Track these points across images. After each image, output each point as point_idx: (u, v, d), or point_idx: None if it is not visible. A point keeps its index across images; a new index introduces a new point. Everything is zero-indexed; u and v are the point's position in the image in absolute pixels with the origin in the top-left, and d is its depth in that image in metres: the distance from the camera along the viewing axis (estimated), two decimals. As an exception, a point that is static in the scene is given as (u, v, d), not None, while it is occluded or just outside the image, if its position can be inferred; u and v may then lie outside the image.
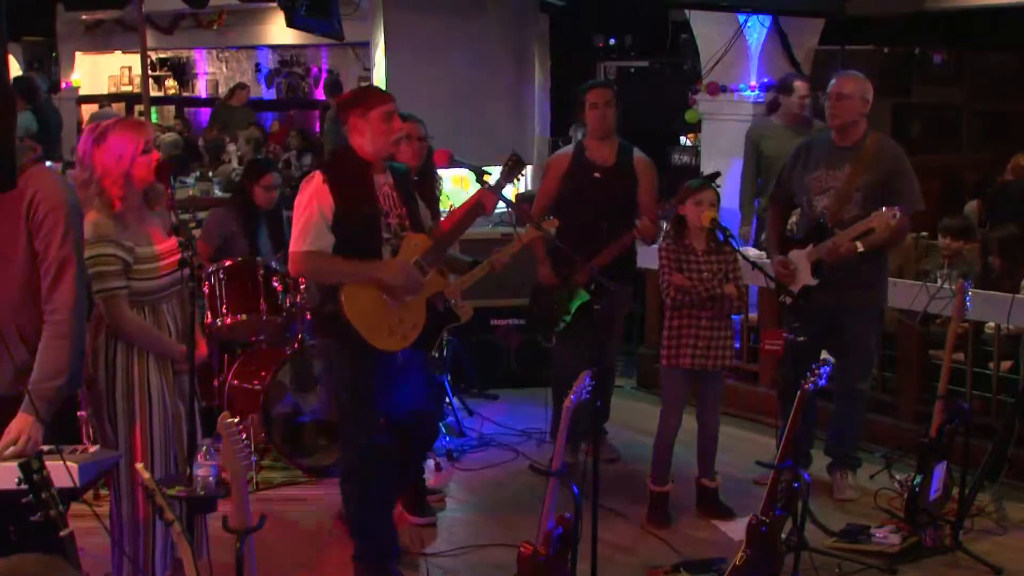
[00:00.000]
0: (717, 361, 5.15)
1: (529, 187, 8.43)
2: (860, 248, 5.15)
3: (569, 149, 6.08)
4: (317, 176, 4.29)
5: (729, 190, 8.01)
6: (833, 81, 5.40)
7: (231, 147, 11.75)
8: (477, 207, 4.47)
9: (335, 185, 4.24)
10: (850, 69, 5.59)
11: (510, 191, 8.48)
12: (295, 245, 4.27)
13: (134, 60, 15.81)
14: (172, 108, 16.92)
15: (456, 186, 8.47)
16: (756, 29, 7.83)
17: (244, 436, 3.13)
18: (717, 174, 5.35)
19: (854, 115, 5.32)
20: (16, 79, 9.87)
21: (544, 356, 6.64)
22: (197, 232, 7.15)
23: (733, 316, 5.30)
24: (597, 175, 5.79)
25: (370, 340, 4.26)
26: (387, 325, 4.31)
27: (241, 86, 14.15)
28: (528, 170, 8.71)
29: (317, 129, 14.74)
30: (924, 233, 6.94)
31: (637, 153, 5.91)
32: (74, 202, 3.48)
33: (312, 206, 4.23)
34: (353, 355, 4.33)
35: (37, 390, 3.31)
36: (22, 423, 3.30)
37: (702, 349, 5.09)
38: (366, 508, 4.50)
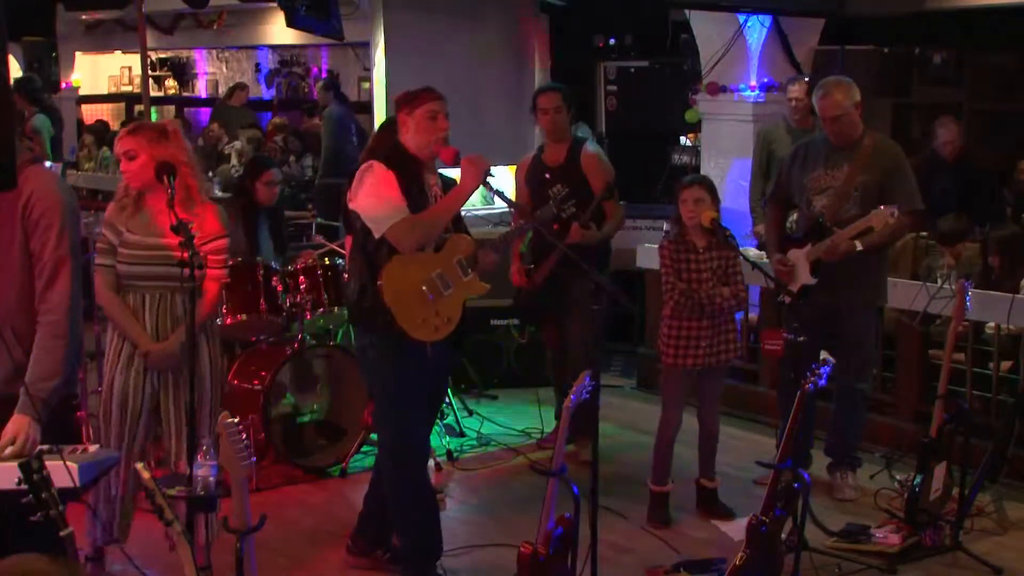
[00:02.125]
0: (722, 356, 5.17)
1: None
2: (859, 247, 5.15)
3: (532, 153, 6.21)
4: (377, 164, 4.30)
5: (729, 191, 8.02)
6: (818, 100, 5.34)
7: (235, 144, 11.73)
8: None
9: (392, 170, 4.29)
10: (845, 73, 5.58)
11: (510, 191, 8.51)
12: (388, 226, 4.22)
13: (134, 60, 15.82)
14: (172, 108, 16.92)
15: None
16: (756, 29, 7.83)
17: (244, 436, 3.14)
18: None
19: (851, 125, 5.32)
20: (17, 80, 9.88)
21: (544, 356, 6.66)
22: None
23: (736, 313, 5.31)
24: (547, 176, 5.85)
25: (403, 325, 4.26)
26: (421, 314, 4.31)
27: (240, 86, 14.13)
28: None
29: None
30: (924, 233, 6.94)
31: (586, 148, 5.97)
32: (71, 202, 3.48)
33: (382, 186, 4.24)
34: (391, 346, 4.33)
35: (33, 390, 3.31)
36: (19, 424, 3.30)
37: (704, 348, 5.11)
38: (407, 504, 4.49)
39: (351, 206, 4.34)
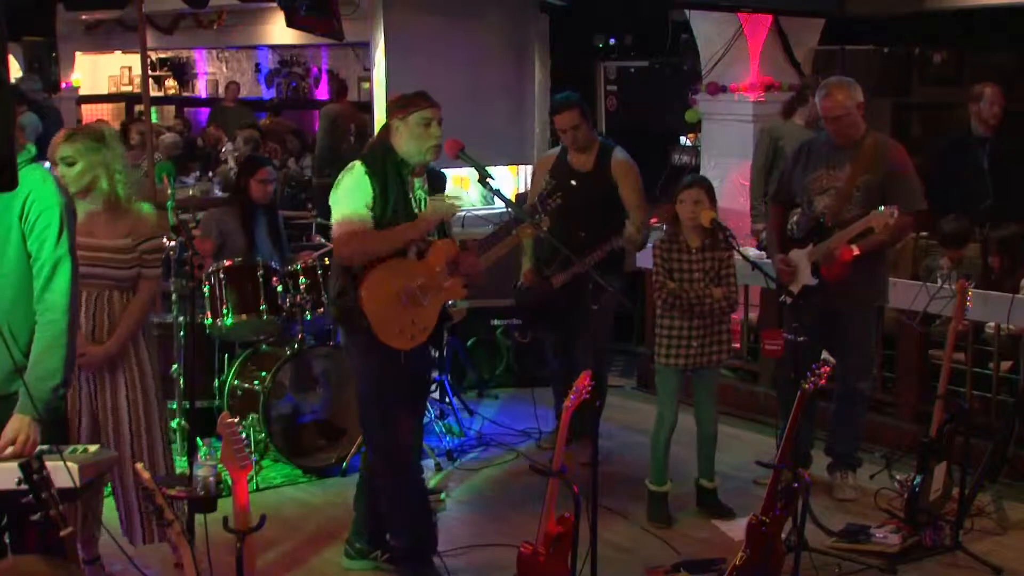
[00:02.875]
0: (712, 357, 5.17)
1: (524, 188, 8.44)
2: (856, 251, 5.15)
3: (556, 150, 6.12)
4: (357, 166, 4.35)
5: (729, 191, 8.02)
6: (820, 99, 5.35)
7: (229, 145, 11.74)
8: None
9: (374, 177, 4.31)
10: (845, 73, 5.57)
11: (510, 191, 8.51)
12: (339, 229, 4.32)
13: (134, 60, 15.81)
14: (172, 108, 16.93)
15: (456, 186, 8.46)
16: (756, 29, 7.83)
17: (244, 436, 3.14)
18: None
19: (856, 126, 5.32)
20: None
21: (543, 356, 6.64)
22: (197, 232, 7.14)
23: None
24: (574, 181, 5.79)
25: (379, 335, 4.30)
26: (399, 324, 4.34)
27: (228, 85, 14.20)
28: (526, 170, 8.72)
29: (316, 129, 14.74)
30: (924, 233, 6.94)
31: (616, 155, 5.91)
32: (68, 202, 3.48)
33: (354, 193, 4.30)
34: (369, 346, 4.34)
35: (33, 391, 3.31)
36: (20, 423, 3.30)
37: (696, 348, 5.12)
38: (401, 504, 4.50)
39: (331, 202, 4.39)
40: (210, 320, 5.75)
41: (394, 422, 4.44)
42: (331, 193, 4.39)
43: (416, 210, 4.41)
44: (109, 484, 4.50)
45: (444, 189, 4.68)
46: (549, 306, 5.94)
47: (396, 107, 4.41)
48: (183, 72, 17.02)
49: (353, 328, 4.39)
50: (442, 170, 4.68)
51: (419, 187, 4.46)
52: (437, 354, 6.30)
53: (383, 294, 4.31)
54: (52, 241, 3.39)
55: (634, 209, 5.82)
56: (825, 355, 4.28)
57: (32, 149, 3.55)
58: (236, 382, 5.91)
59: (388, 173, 4.34)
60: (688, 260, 5.12)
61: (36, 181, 3.40)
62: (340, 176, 4.39)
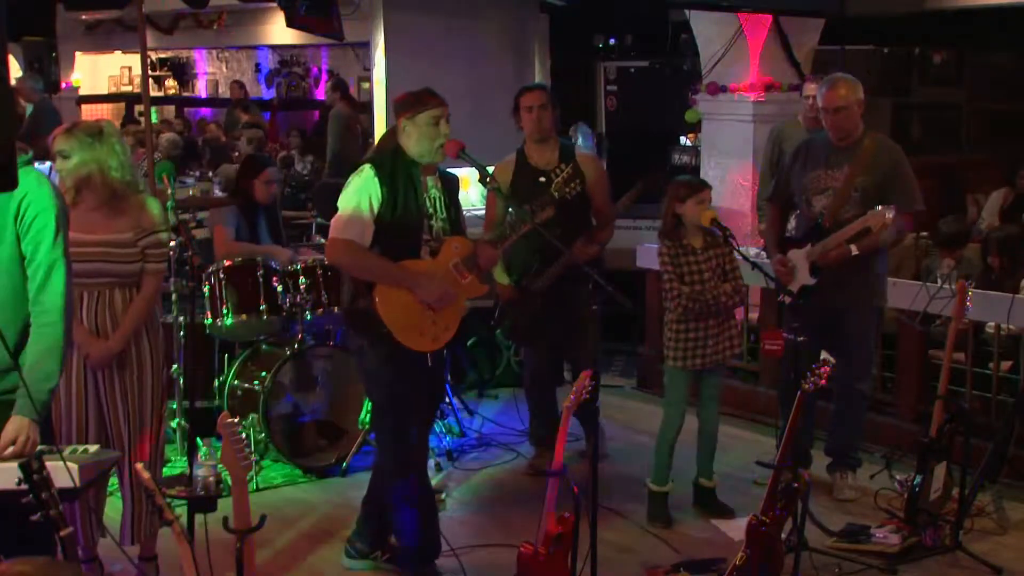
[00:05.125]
0: (724, 354, 5.20)
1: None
2: (854, 251, 5.15)
3: (511, 158, 5.84)
4: (367, 169, 4.33)
5: (729, 191, 8.03)
6: (823, 91, 5.35)
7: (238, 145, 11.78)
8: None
9: (384, 179, 4.29)
10: (843, 72, 5.55)
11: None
12: (335, 232, 4.31)
13: (134, 60, 15.83)
14: (172, 108, 16.94)
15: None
16: (756, 29, 7.83)
17: (244, 436, 3.14)
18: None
19: (854, 122, 5.32)
20: None
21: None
22: (197, 232, 7.15)
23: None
24: (541, 179, 5.58)
25: (401, 339, 4.27)
26: (419, 325, 4.31)
27: (232, 84, 14.25)
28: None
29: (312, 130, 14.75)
30: (924, 233, 6.94)
31: (579, 150, 5.86)
32: (63, 206, 3.48)
33: (360, 196, 4.27)
34: (387, 352, 4.31)
35: (32, 392, 3.30)
36: (19, 425, 3.30)
37: (711, 348, 5.12)
38: (408, 506, 4.48)
39: (338, 204, 4.37)
40: (210, 320, 5.76)
41: (406, 429, 4.41)
42: (341, 195, 4.36)
43: (430, 210, 4.39)
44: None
45: (458, 192, 4.62)
46: (540, 319, 5.71)
47: (404, 107, 4.37)
48: (183, 72, 17.05)
49: (370, 333, 4.33)
50: (449, 170, 4.63)
51: (432, 186, 4.44)
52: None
53: (399, 296, 4.27)
54: (48, 244, 3.38)
55: (606, 210, 5.72)
56: (825, 355, 4.27)
57: (29, 151, 3.54)
58: (236, 382, 5.91)
59: (398, 175, 4.31)
60: (696, 261, 5.12)
61: (32, 183, 3.39)
62: (350, 179, 4.36)
